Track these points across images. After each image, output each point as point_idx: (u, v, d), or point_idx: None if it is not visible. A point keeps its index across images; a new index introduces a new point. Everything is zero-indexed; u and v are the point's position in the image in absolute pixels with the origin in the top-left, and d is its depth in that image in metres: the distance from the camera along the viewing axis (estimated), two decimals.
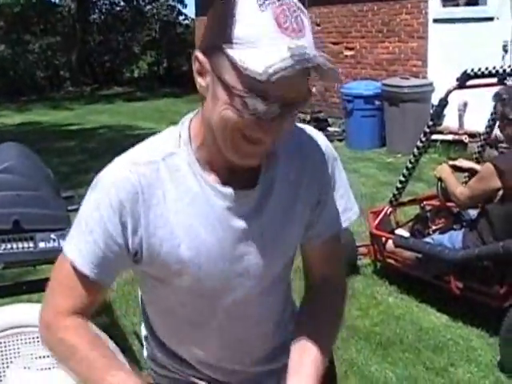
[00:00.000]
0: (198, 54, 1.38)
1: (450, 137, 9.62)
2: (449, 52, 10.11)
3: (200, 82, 1.41)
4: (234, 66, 1.30)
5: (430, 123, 5.07)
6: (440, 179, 4.90)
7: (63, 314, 1.56)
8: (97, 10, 24.97)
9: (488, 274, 4.44)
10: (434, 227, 5.29)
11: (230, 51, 1.30)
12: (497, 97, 4.52)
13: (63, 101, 19.29)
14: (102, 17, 24.76)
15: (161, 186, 1.51)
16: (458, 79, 4.92)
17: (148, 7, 24.93)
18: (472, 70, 4.78)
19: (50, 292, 1.61)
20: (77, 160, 10.45)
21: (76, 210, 1.61)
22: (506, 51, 9.50)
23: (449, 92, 5.02)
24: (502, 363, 4.15)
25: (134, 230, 1.50)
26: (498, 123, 4.65)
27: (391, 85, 10.17)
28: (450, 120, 9.80)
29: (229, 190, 1.54)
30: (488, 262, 4.42)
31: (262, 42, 1.27)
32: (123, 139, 11.27)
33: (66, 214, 3.59)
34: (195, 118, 1.55)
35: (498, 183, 4.35)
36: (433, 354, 4.39)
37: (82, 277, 1.53)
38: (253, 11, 1.28)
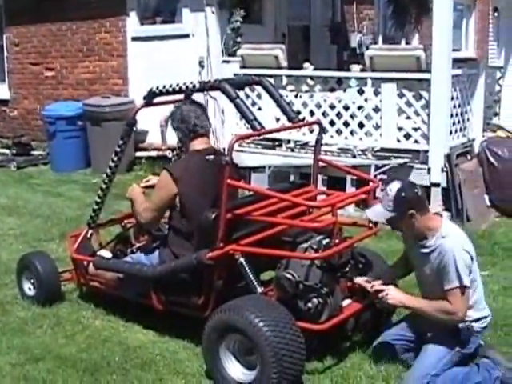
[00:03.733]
0: None
1: (154, 153, 9.77)
2: (149, 69, 10.28)
3: None
4: None
5: (120, 142, 5.10)
6: (131, 200, 4.91)
7: None
8: None
9: (186, 286, 4.53)
10: (137, 245, 5.31)
11: None
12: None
13: None
14: None
15: None
16: (144, 97, 4.98)
17: None
18: (157, 87, 4.86)
19: None
20: None
21: None
22: (202, 67, 9.86)
23: (136, 111, 5.09)
24: (208, 371, 4.25)
25: None
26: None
27: (92, 104, 10.13)
28: (153, 137, 9.97)
29: None
30: (185, 275, 4.51)
31: None
32: None
33: None
34: None
35: (174, 188, 4.54)
36: (141, 371, 4.39)
37: None
38: None
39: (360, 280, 4.42)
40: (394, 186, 4.12)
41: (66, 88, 11.86)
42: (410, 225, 4.15)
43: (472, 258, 4.10)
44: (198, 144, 4.74)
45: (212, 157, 4.69)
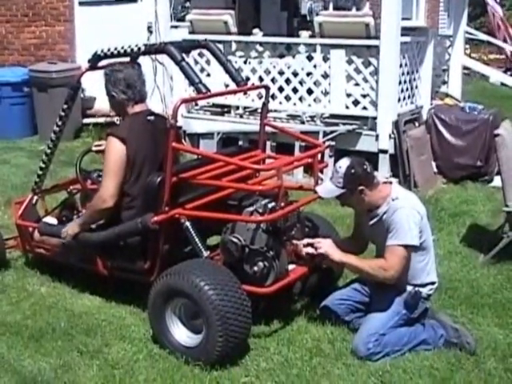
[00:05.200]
0: None
1: (102, 119, 9.65)
2: (96, 34, 10.08)
3: None
4: None
5: (65, 106, 5.01)
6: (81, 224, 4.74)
7: None
8: None
9: (132, 251, 4.50)
10: (84, 211, 5.25)
11: None
12: (104, 76, 4.72)
13: None
14: None
15: None
16: (89, 60, 4.90)
17: None
18: (102, 50, 4.78)
19: None
20: None
21: None
22: (150, 32, 9.74)
23: (81, 74, 5.02)
24: (154, 336, 4.25)
25: None
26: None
27: (39, 70, 9.94)
28: (101, 103, 9.83)
29: None
30: (130, 240, 4.47)
31: None
32: None
33: None
34: None
35: (125, 149, 4.43)
36: (86, 337, 4.36)
37: None
38: None
39: (297, 242, 4.41)
40: (344, 163, 4.17)
41: (11, 53, 11.62)
42: (360, 200, 4.21)
43: (422, 218, 4.15)
44: (137, 107, 4.70)
45: (152, 117, 4.67)
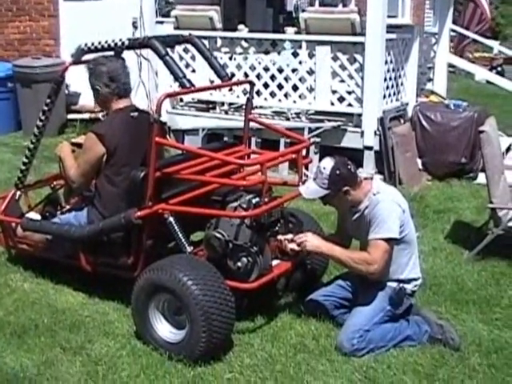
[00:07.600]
0: None
1: (86, 115, 9.61)
2: (81, 30, 10.00)
3: None
4: None
5: (48, 101, 4.97)
6: (60, 158, 4.83)
7: None
8: None
9: (115, 247, 4.48)
10: (68, 207, 5.22)
11: None
12: (88, 70, 4.71)
13: None
14: None
15: None
16: (72, 55, 4.88)
17: None
18: (86, 44, 4.75)
19: None
20: None
21: None
22: (135, 27, 9.69)
23: (65, 69, 4.99)
24: (137, 332, 4.23)
25: None
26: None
27: (23, 65, 9.87)
28: (86, 98, 9.78)
29: None
30: (114, 235, 4.45)
31: None
32: None
33: None
34: None
35: (101, 148, 4.48)
36: (70, 333, 4.34)
37: None
38: None
39: (281, 237, 4.39)
40: (328, 163, 4.15)
41: None
42: (343, 200, 4.21)
43: (404, 211, 4.15)
44: (121, 103, 4.67)
45: (136, 114, 4.65)
